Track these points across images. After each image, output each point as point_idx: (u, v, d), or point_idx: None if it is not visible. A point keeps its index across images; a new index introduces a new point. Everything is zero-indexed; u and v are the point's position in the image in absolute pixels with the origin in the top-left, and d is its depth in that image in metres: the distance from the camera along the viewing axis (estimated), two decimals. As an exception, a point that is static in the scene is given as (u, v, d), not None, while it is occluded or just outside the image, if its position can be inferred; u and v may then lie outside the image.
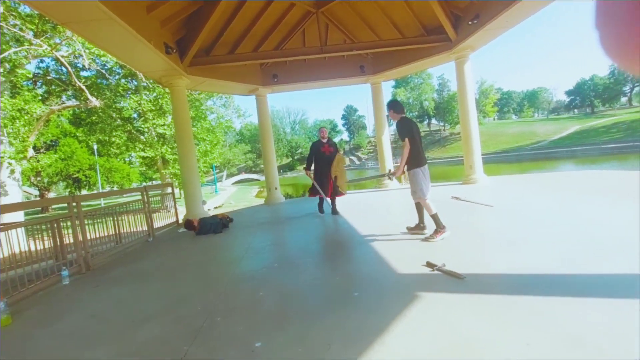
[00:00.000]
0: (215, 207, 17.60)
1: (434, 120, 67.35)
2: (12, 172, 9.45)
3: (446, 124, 61.61)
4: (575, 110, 69.02)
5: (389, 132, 11.40)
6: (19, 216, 8.87)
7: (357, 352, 1.75)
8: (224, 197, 25.99)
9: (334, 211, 6.20)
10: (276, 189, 9.57)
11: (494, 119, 66.69)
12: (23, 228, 5.06)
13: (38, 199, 24.05)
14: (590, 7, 0.31)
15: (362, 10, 8.21)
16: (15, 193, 9.56)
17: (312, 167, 6.27)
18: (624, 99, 62.52)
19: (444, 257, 3.09)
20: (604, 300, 2.01)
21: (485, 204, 5.31)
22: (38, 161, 11.62)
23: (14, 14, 9.71)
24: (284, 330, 2.11)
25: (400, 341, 1.82)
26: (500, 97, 66.59)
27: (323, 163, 6.10)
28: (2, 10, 9.21)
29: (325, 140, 6.19)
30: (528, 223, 4.02)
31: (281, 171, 56.34)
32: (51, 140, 21.61)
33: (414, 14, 7.76)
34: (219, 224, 5.92)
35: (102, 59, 11.47)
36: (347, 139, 79.09)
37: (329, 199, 6.22)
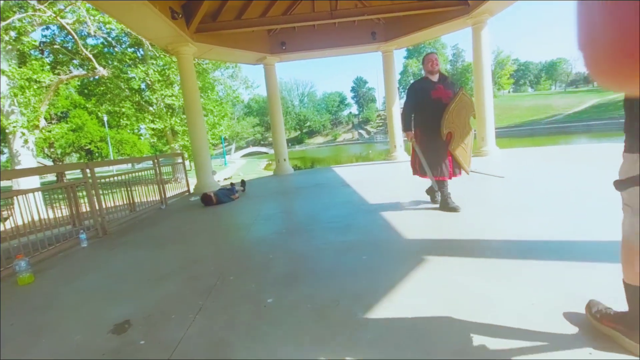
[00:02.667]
0: (225, 179, 17.82)
1: (446, 93, 65.18)
2: (26, 142, 9.63)
3: (459, 97, 59.70)
4: (595, 82, 65.87)
5: (399, 104, 11.15)
6: (34, 182, 9.13)
7: (365, 308, 1.81)
8: (233, 169, 26.23)
9: (444, 203, 3.61)
10: (285, 160, 9.59)
11: (508, 92, 64.35)
12: (40, 195, 5.23)
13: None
14: (574, 29, 0.30)
15: (374, -29, 7.78)
16: (29, 162, 9.79)
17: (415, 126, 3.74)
18: (649, 71, 59.22)
19: (453, 224, 3.11)
20: (610, 265, 2.00)
21: (497, 175, 5.25)
22: (50, 131, 11.77)
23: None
24: (295, 288, 2.18)
25: (407, 299, 1.87)
26: (517, 68, 63.87)
27: (434, 118, 3.45)
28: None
29: (435, 79, 3.52)
30: (538, 193, 3.98)
31: (289, 144, 56.14)
32: (61, 112, 21.77)
33: (430, -26, 7.33)
34: (227, 193, 6.03)
35: (107, 26, 11.23)
36: (356, 112, 77.73)
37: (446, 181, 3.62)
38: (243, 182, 7.20)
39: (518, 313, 1.62)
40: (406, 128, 3.76)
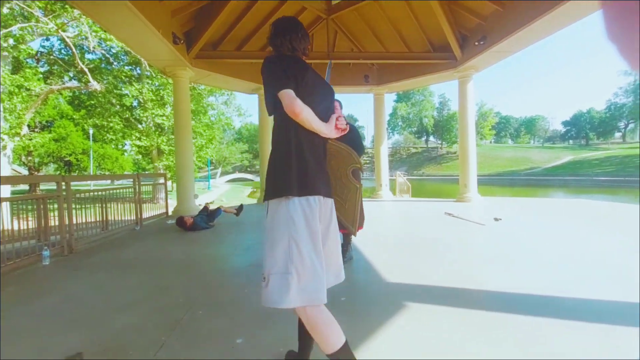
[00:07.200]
0: (207, 203, 17.42)
1: (432, 138, 68.12)
2: (4, 147, 9.28)
3: (443, 142, 62.25)
4: (571, 140, 70.34)
5: (387, 144, 11.50)
6: (5, 191, 8.67)
7: (340, 356, 1.71)
8: (216, 193, 25.79)
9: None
10: (270, 189, 9.51)
11: (490, 142, 67.60)
12: (8, 205, 4.94)
13: (27, 178, 23.59)
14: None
15: (371, 21, 8.30)
16: (4, 169, 9.38)
17: None
18: (618, 135, 63.99)
19: (434, 271, 3.08)
20: (589, 324, 2.00)
21: (478, 222, 5.33)
22: (30, 139, 11.43)
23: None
24: (268, 328, 2.06)
25: (384, 347, 1.79)
26: (499, 121, 67.69)
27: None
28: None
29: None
30: (518, 244, 4.03)
31: (276, 174, 55.76)
32: (47, 121, 21.32)
33: (422, 29, 7.87)
34: (207, 219, 5.81)
35: (108, 43, 11.39)
36: (345, 148, 79.27)
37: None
38: (241, 207, 6.88)
39: (497, 372, 1.57)
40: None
